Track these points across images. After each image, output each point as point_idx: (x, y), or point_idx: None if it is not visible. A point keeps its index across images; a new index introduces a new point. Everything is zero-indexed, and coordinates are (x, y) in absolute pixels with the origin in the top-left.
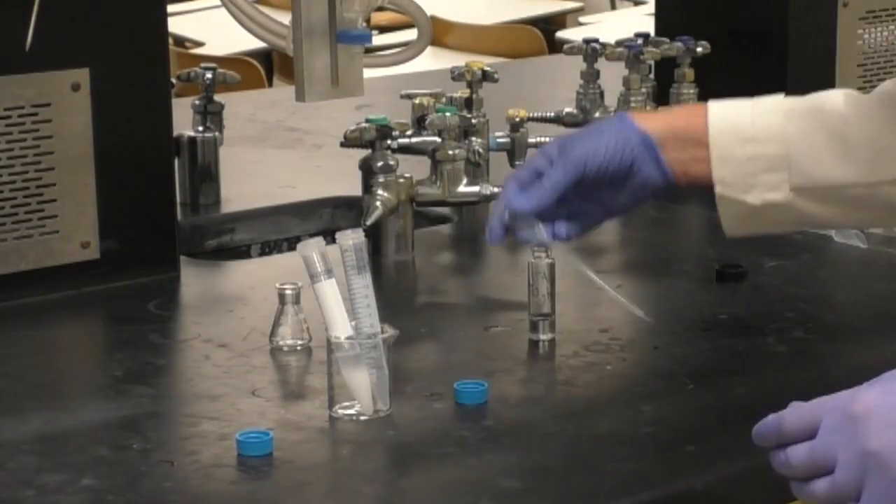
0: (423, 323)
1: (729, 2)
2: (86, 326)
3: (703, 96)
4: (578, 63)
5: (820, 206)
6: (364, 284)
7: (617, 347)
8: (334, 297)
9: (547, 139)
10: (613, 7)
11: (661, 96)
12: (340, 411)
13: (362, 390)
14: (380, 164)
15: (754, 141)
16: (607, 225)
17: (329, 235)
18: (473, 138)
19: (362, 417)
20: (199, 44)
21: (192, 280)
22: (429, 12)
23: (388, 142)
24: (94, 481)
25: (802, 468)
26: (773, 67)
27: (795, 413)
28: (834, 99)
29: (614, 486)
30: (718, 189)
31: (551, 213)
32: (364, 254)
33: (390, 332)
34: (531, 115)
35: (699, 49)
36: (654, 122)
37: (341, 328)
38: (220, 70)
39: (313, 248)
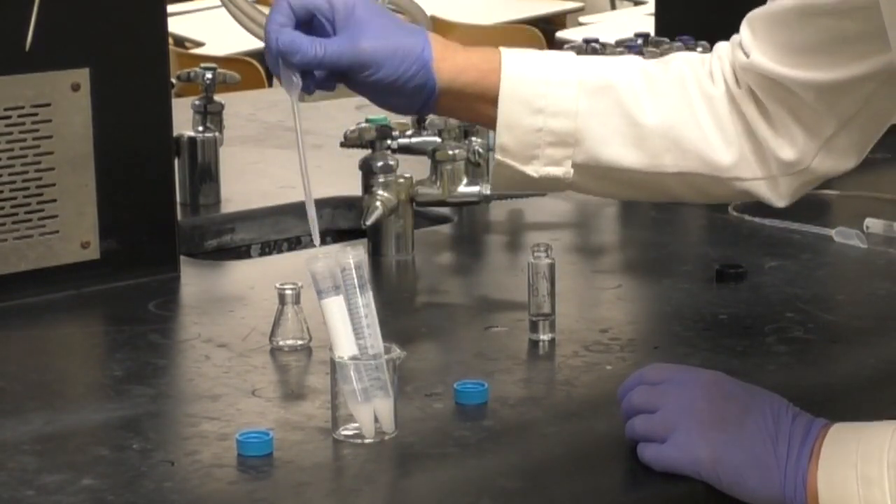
0: (423, 323)
1: (729, 1)
2: (86, 326)
3: None
4: None
5: (596, 182)
6: (365, 304)
7: (617, 347)
8: (341, 315)
9: None
10: (613, 7)
11: None
12: (343, 433)
13: (364, 414)
14: (380, 164)
15: (543, 113)
16: (607, 225)
17: (329, 235)
18: (473, 138)
19: (365, 441)
20: (199, 44)
21: (192, 280)
22: (429, 12)
23: (388, 142)
24: (94, 481)
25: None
26: None
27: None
28: (630, 75)
29: (614, 486)
30: (498, 156)
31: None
32: (364, 271)
33: (397, 352)
34: None
35: (699, 49)
36: (447, 67)
37: (346, 348)
38: (220, 70)
39: (321, 263)
